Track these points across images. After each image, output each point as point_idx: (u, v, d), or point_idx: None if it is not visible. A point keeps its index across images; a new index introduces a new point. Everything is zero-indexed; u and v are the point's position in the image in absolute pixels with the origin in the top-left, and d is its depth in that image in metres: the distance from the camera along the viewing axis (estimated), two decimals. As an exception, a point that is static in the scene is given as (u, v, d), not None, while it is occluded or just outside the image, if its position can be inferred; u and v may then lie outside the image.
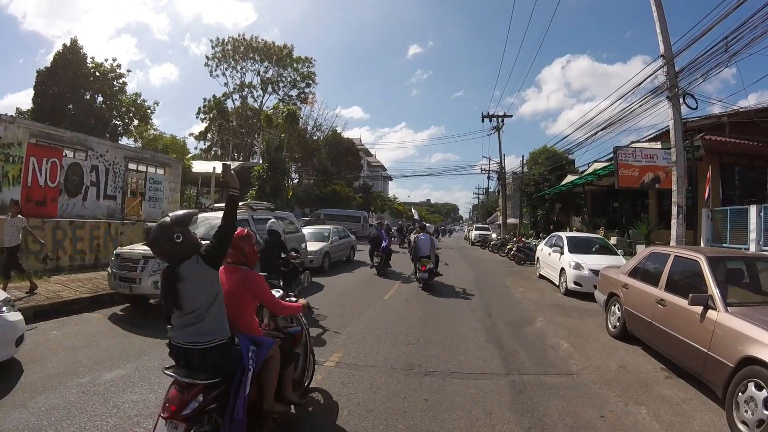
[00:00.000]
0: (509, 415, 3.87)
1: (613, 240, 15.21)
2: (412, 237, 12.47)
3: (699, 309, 4.34)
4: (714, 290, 4.37)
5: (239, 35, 47.66)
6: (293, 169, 39.09)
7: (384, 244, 12.96)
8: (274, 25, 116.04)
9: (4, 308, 4.36)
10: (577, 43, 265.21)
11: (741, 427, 3.50)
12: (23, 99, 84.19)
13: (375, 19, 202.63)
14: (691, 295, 4.38)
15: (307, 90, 48.07)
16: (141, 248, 7.36)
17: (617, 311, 6.49)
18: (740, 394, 3.58)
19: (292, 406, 3.55)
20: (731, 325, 3.92)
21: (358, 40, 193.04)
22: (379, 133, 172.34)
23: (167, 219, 2.68)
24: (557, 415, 3.87)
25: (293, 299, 3.87)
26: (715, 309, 4.20)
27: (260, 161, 29.59)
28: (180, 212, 2.76)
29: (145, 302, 7.46)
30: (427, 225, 22.40)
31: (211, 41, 50.14)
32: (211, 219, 8.46)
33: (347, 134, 49.54)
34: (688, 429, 3.71)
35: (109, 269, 7.42)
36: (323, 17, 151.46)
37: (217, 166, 27.02)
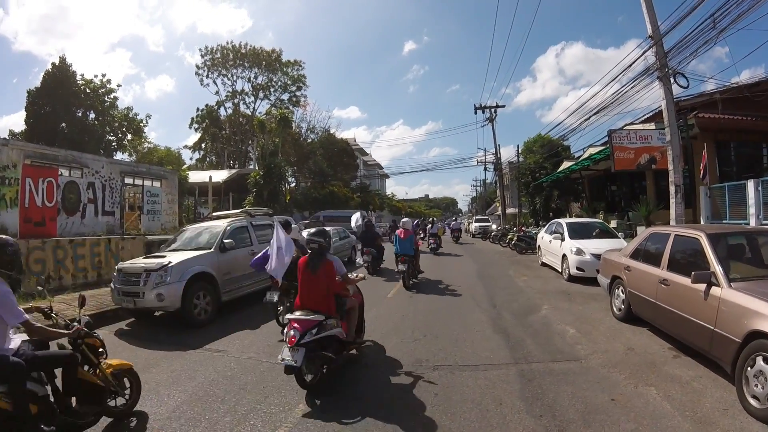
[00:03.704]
0: (519, 403, 3.88)
1: (613, 223, 15.21)
2: (451, 224, 20.70)
3: (702, 286, 4.34)
4: (716, 267, 4.37)
5: (227, 43, 47.60)
6: (289, 172, 39.03)
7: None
8: (269, 29, 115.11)
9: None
10: (570, 30, 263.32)
11: (752, 401, 3.51)
12: (18, 120, 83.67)
13: (370, 18, 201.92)
14: (693, 272, 4.38)
15: (298, 93, 48.04)
16: (142, 262, 7.35)
17: (621, 294, 6.50)
18: (749, 368, 3.59)
19: None
20: (736, 301, 3.92)
21: (353, 41, 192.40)
22: (376, 131, 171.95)
23: None
24: (567, 401, 3.88)
25: None
26: (718, 285, 4.20)
27: (256, 167, 29.55)
28: None
29: (150, 316, 7.53)
30: (435, 219, 37.34)
31: (200, 50, 50.13)
32: (212, 227, 8.54)
33: (342, 135, 49.52)
34: (699, 407, 3.71)
35: (112, 285, 7.40)
36: (317, 20, 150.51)
37: (213, 176, 27.09)
